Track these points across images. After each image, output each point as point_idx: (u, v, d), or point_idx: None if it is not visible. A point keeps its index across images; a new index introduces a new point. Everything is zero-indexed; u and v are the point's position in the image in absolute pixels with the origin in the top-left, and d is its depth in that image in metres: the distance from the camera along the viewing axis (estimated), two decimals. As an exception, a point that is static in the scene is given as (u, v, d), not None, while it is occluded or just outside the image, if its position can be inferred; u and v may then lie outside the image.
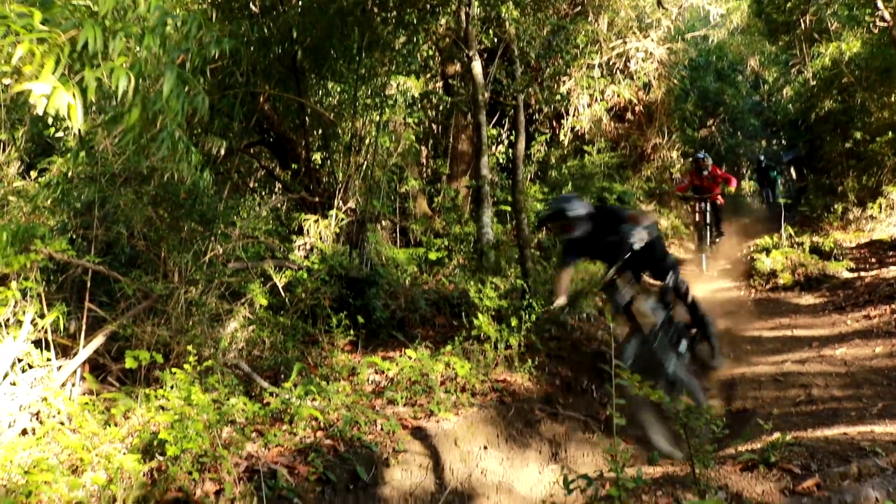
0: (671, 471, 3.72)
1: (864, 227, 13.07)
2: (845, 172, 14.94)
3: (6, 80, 3.39)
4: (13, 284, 4.48)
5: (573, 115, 14.26)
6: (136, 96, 3.65)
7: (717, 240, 12.62)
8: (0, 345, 4.36)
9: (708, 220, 12.17)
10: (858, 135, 14.60)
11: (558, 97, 13.02)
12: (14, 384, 4.35)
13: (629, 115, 15.24)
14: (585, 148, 14.08)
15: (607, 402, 5.99)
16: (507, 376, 6.22)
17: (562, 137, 14.32)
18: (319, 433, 4.71)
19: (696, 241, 12.71)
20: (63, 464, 3.78)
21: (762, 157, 22.50)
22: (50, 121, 4.98)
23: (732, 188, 12.28)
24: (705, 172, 12.09)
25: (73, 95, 3.29)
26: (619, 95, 14.45)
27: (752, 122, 22.70)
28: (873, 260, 10.84)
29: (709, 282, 12.06)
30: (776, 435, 4.18)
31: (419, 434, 4.99)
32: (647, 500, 3.42)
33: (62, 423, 4.20)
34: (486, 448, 5.21)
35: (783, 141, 24.71)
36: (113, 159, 5.65)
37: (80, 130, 3.49)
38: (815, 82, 16.22)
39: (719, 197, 12.12)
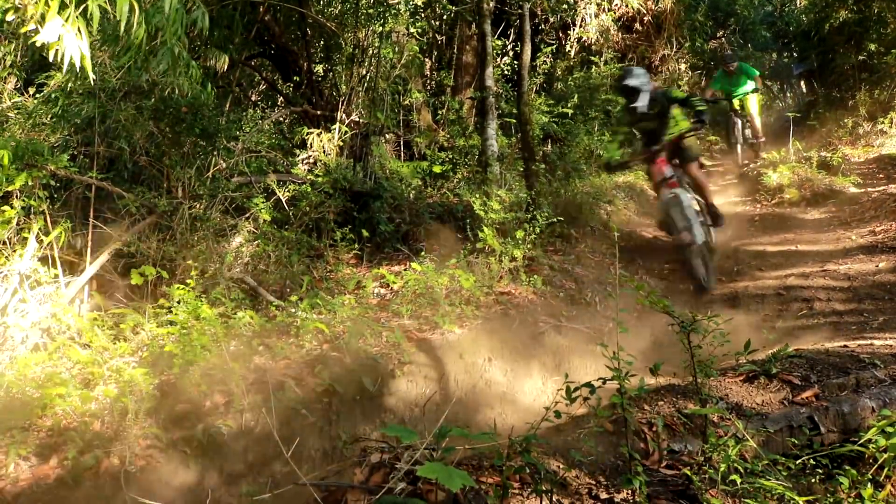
0: (674, 381, 3.77)
1: (874, 143, 12.85)
2: (857, 86, 14.59)
3: (9, 17, 3.33)
4: (16, 202, 4.47)
5: (580, 26, 13.90)
6: (140, 14, 3.57)
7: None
8: (7, 262, 4.38)
9: None
10: (873, 46, 14.20)
11: (565, 6, 12.66)
12: (24, 301, 4.40)
13: (637, 26, 14.82)
14: (592, 59, 13.80)
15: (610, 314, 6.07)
16: (512, 289, 6.26)
17: (568, 48, 14.01)
18: (326, 346, 4.77)
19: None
20: (75, 378, 3.86)
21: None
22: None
23: None
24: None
25: (79, 29, 3.22)
26: (627, 5, 14.06)
27: (763, 33, 22.03)
28: (881, 175, 10.72)
29: (714, 196, 11.99)
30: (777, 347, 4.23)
31: (424, 346, 5.05)
32: (648, 409, 3.48)
33: (73, 339, 4.27)
34: (490, 359, 5.28)
35: (794, 53, 23.99)
36: (112, 73, 5.56)
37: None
38: (831, -10, 15.71)
39: None
